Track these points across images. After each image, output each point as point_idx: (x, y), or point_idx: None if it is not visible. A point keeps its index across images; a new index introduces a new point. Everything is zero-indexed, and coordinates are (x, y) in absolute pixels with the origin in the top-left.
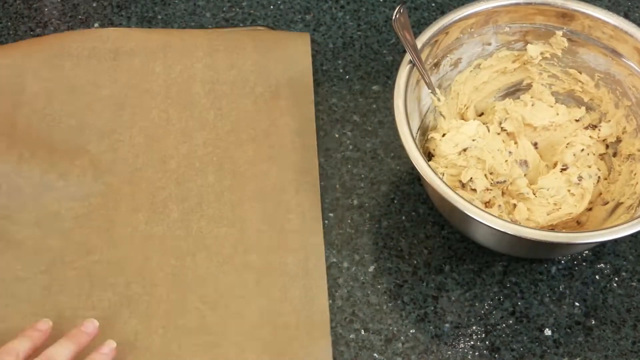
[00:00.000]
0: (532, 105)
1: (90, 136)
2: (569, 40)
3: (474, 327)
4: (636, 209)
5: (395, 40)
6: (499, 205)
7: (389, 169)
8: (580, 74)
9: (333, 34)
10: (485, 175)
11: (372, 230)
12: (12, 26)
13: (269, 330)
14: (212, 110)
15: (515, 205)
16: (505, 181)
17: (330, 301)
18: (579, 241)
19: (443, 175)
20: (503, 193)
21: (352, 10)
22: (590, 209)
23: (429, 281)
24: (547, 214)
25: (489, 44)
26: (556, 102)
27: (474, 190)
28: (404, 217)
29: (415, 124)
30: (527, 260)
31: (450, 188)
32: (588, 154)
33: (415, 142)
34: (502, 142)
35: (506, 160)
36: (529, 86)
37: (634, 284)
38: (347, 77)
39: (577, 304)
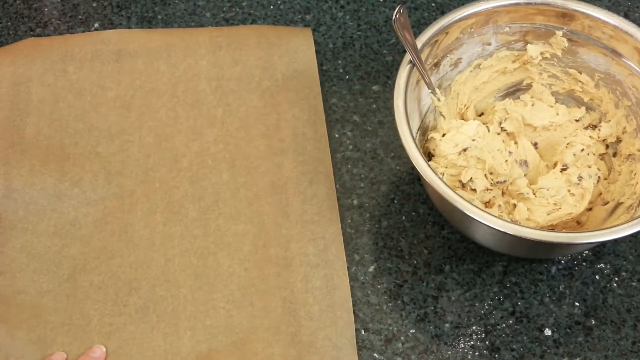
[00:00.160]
0: (532, 105)
1: (100, 138)
2: (569, 40)
3: (474, 327)
4: (636, 209)
5: (395, 40)
6: (499, 205)
7: (389, 169)
8: (580, 74)
9: (333, 34)
10: (485, 175)
11: (372, 230)
12: (12, 26)
13: (293, 322)
14: (220, 107)
15: (515, 205)
16: (505, 181)
17: None
18: (579, 241)
19: (443, 175)
20: (503, 193)
21: (352, 10)
22: (590, 209)
23: (429, 281)
24: (547, 214)
25: (489, 44)
26: (556, 102)
27: (474, 190)
28: (404, 217)
29: (415, 124)
30: (527, 260)
31: (450, 188)
32: (588, 154)
33: (415, 142)
34: (502, 142)
35: (506, 160)
36: (529, 86)
37: (634, 284)
38: (347, 77)
39: (577, 304)
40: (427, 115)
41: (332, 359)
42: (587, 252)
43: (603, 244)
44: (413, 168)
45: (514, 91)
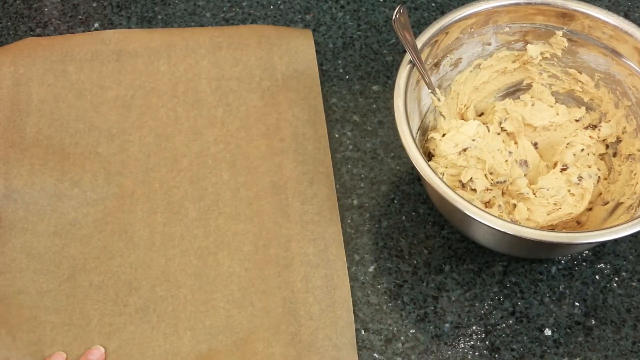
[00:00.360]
0: (532, 105)
1: (100, 138)
2: (569, 40)
3: (474, 327)
4: (636, 209)
5: (395, 40)
6: (499, 205)
7: (389, 169)
8: (580, 74)
9: (333, 34)
10: (485, 175)
11: (372, 230)
12: (12, 26)
13: (293, 322)
14: (220, 107)
15: (515, 205)
16: (505, 181)
17: None
18: (579, 241)
19: (443, 175)
20: (503, 193)
21: (352, 10)
22: (590, 209)
23: (429, 281)
24: (547, 214)
25: (489, 44)
26: (556, 102)
27: (474, 190)
28: (404, 217)
29: (415, 124)
30: (527, 260)
31: (450, 188)
32: (588, 154)
33: (415, 142)
34: (502, 142)
35: (506, 160)
36: (529, 86)
37: (634, 284)
38: (347, 77)
39: (577, 304)
40: (427, 115)
41: (332, 358)
42: (587, 252)
43: (603, 244)
44: (413, 168)
45: (514, 91)
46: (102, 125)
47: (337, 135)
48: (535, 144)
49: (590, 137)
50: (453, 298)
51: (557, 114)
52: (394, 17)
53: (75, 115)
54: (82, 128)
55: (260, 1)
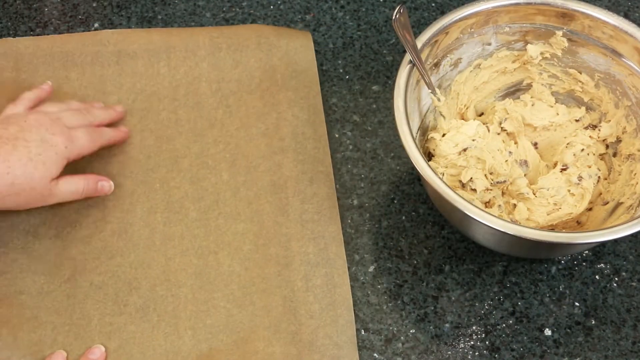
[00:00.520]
0: (532, 105)
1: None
2: (569, 40)
3: (474, 327)
4: (636, 209)
5: (395, 40)
6: (499, 205)
7: (389, 169)
8: (580, 74)
9: (333, 34)
10: (485, 175)
11: (372, 230)
12: (12, 26)
13: (294, 321)
14: (220, 109)
15: (515, 205)
16: (505, 181)
17: None
18: (579, 241)
19: (443, 175)
20: (503, 193)
21: (352, 10)
22: (590, 209)
23: (429, 281)
24: (547, 214)
25: (489, 44)
26: (556, 102)
27: (474, 190)
28: (404, 217)
29: (415, 124)
30: (527, 260)
31: (450, 188)
32: (588, 154)
33: (415, 142)
34: (502, 142)
35: (506, 160)
36: (529, 86)
37: (634, 284)
38: (347, 77)
39: (577, 304)
40: (427, 115)
41: (332, 357)
42: (587, 252)
43: (603, 244)
44: (413, 168)
45: (514, 91)
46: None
47: (337, 135)
48: (535, 144)
49: (590, 137)
50: (453, 298)
51: (557, 114)
52: (394, 17)
53: None
54: None
55: (260, 1)
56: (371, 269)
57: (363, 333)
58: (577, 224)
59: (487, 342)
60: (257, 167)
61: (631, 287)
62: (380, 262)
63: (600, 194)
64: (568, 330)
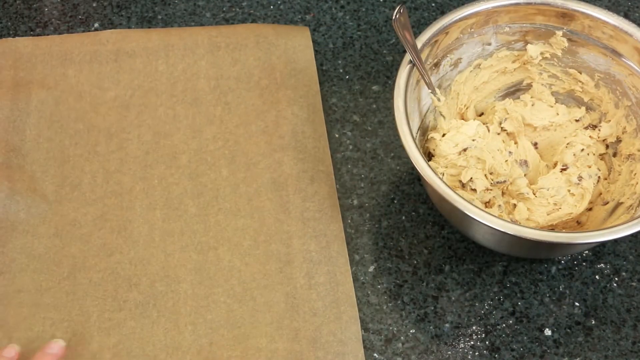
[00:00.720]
0: (532, 105)
1: (99, 138)
2: (569, 40)
3: (474, 327)
4: (636, 209)
5: (395, 40)
6: (499, 205)
7: (389, 169)
8: (580, 74)
9: (333, 34)
10: (485, 175)
11: (372, 230)
12: (12, 26)
13: (297, 318)
14: (219, 106)
15: (515, 205)
16: (505, 181)
17: None
18: (579, 241)
19: (443, 175)
20: (503, 193)
21: (352, 10)
22: (590, 209)
23: (429, 281)
24: (547, 214)
25: (489, 44)
26: (556, 102)
27: (474, 190)
28: (404, 217)
29: (415, 124)
30: (527, 260)
31: (450, 188)
32: (588, 154)
33: (415, 142)
34: (502, 142)
35: (506, 160)
36: (529, 86)
37: (634, 284)
38: (347, 77)
39: (577, 304)
40: (427, 115)
41: (337, 354)
42: (587, 252)
43: (603, 244)
44: (413, 168)
45: (514, 91)
46: (101, 125)
47: (337, 135)
48: (535, 144)
49: (590, 137)
50: (453, 298)
51: (557, 114)
52: (394, 17)
53: (74, 116)
54: (81, 128)
55: (260, 1)
56: (371, 269)
57: (363, 333)
58: (577, 224)
59: (487, 342)
60: (257, 164)
61: (631, 287)
62: (380, 262)
63: (600, 194)
64: (568, 330)
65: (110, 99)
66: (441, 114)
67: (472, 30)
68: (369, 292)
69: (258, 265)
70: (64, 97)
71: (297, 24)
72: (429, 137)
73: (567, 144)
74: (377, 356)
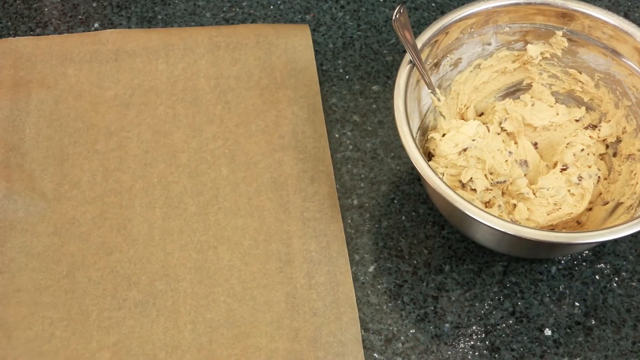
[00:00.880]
0: (532, 105)
1: (98, 136)
2: (569, 40)
3: (474, 327)
4: (636, 209)
5: (395, 40)
6: (499, 205)
7: (389, 169)
8: (580, 74)
9: (333, 34)
10: (485, 175)
11: (372, 230)
12: (12, 26)
13: (297, 317)
14: (219, 105)
15: (515, 205)
16: (505, 181)
17: None
18: (579, 241)
19: (443, 175)
20: (503, 193)
21: (352, 10)
22: (590, 209)
23: (429, 281)
24: (547, 214)
25: (489, 44)
26: (556, 102)
27: (474, 190)
28: (404, 217)
29: (415, 124)
30: (527, 260)
31: (450, 188)
32: (588, 154)
33: (415, 142)
34: (502, 142)
35: (506, 160)
36: (529, 86)
37: (634, 284)
38: (347, 77)
39: (577, 304)
40: (427, 115)
41: (337, 354)
42: (587, 252)
43: (603, 244)
44: (413, 168)
45: (514, 91)
46: (100, 123)
47: (337, 135)
48: (535, 144)
49: (590, 137)
50: (453, 298)
51: (557, 114)
52: (394, 17)
53: (74, 115)
54: (81, 127)
55: (260, 1)
56: (371, 269)
57: (363, 333)
58: (577, 224)
59: (487, 342)
60: (257, 164)
61: (631, 287)
62: (380, 262)
63: (600, 194)
64: (568, 330)
65: (110, 97)
66: (441, 114)
67: (472, 30)
68: (369, 292)
69: (258, 264)
70: (64, 96)
71: (297, 24)
72: (429, 137)
73: (567, 144)
74: (377, 356)
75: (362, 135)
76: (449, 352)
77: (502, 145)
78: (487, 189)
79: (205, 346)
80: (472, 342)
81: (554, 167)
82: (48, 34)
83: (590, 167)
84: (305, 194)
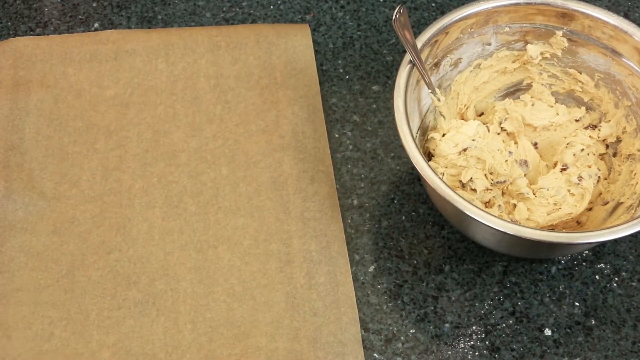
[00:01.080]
0: (532, 105)
1: (98, 136)
2: (569, 40)
3: (474, 327)
4: (636, 209)
5: (395, 40)
6: (499, 205)
7: (389, 169)
8: (580, 74)
9: (333, 34)
10: (485, 175)
11: (372, 230)
12: (12, 26)
13: (297, 317)
14: (219, 104)
15: (515, 205)
16: (505, 181)
17: None
18: (579, 241)
19: (443, 175)
20: (503, 193)
21: (352, 10)
22: (590, 209)
23: (429, 281)
24: (547, 214)
25: (489, 44)
26: (556, 102)
27: (474, 190)
28: (404, 217)
29: (415, 124)
30: (527, 260)
31: (450, 188)
32: (588, 154)
33: (415, 142)
34: (502, 142)
35: (506, 160)
36: (529, 86)
37: (634, 284)
38: (347, 77)
39: (577, 304)
40: (427, 115)
41: (337, 354)
42: (587, 252)
43: (603, 244)
44: (413, 168)
45: (514, 91)
46: (100, 123)
47: (337, 135)
48: (535, 144)
49: (590, 137)
50: (453, 298)
51: (557, 114)
52: (394, 17)
53: (74, 114)
54: (80, 126)
55: (260, 1)
56: (371, 269)
57: (363, 333)
58: (577, 224)
59: (487, 342)
60: (257, 164)
61: (631, 287)
62: (380, 262)
63: (600, 194)
64: (568, 330)
65: (110, 97)
66: (441, 114)
67: (472, 30)
68: (369, 292)
69: (258, 264)
70: (64, 96)
71: (297, 24)
72: (429, 137)
73: (567, 144)
74: (377, 356)
75: (362, 135)
76: (449, 352)
77: (502, 145)
78: (487, 189)
79: (205, 346)
80: (472, 342)
81: (554, 167)
82: (48, 34)
83: (590, 167)
84: (305, 194)
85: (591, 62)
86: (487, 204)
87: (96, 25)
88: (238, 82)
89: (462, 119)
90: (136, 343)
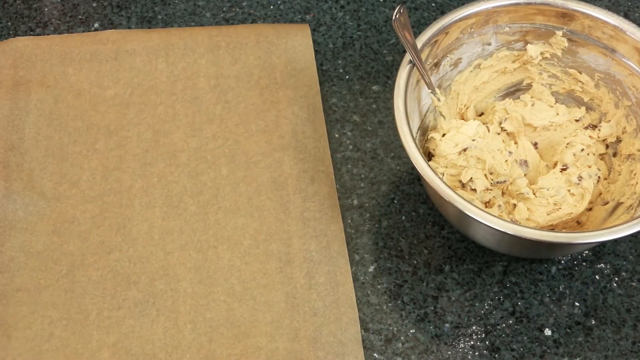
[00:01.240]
0: (532, 105)
1: (98, 136)
2: (569, 40)
3: (474, 327)
4: (636, 209)
5: (395, 40)
6: (499, 205)
7: (389, 169)
8: (580, 74)
9: (333, 34)
10: (485, 175)
11: (372, 230)
12: (12, 26)
13: (297, 317)
14: (219, 104)
15: (515, 205)
16: (505, 181)
17: None
18: (579, 241)
19: (443, 175)
20: (503, 193)
21: (352, 10)
22: (590, 209)
23: (429, 281)
24: (547, 214)
25: (489, 44)
26: (556, 102)
27: (474, 190)
28: (404, 217)
29: (415, 124)
30: (527, 260)
31: (450, 188)
32: (588, 154)
33: (415, 142)
34: (502, 142)
35: (506, 160)
36: (529, 86)
37: (634, 284)
38: (347, 77)
39: (577, 304)
40: (427, 115)
41: (337, 354)
42: (587, 252)
43: (603, 244)
44: (413, 168)
45: (514, 91)
46: (100, 123)
47: (337, 135)
48: (535, 144)
49: (590, 137)
50: (453, 298)
51: (557, 114)
52: (394, 17)
53: (74, 114)
54: (80, 126)
55: (260, 1)
56: (371, 269)
57: (363, 333)
58: (577, 224)
59: (487, 342)
60: (257, 164)
61: (631, 287)
62: (380, 262)
63: (600, 194)
64: (568, 330)
65: (110, 97)
66: (441, 114)
67: (472, 30)
68: (369, 292)
69: (258, 264)
70: (64, 95)
71: (297, 24)
72: (429, 137)
73: (567, 144)
74: (377, 356)
75: (362, 135)
76: (449, 352)
77: (502, 145)
78: (487, 189)
79: (205, 346)
80: (472, 342)
81: (554, 167)
82: (48, 34)
83: (590, 167)
84: (305, 194)
85: (591, 62)
86: (487, 204)
87: (96, 25)
88: (238, 82)
89: (462, 119)
90: (136, 343)
